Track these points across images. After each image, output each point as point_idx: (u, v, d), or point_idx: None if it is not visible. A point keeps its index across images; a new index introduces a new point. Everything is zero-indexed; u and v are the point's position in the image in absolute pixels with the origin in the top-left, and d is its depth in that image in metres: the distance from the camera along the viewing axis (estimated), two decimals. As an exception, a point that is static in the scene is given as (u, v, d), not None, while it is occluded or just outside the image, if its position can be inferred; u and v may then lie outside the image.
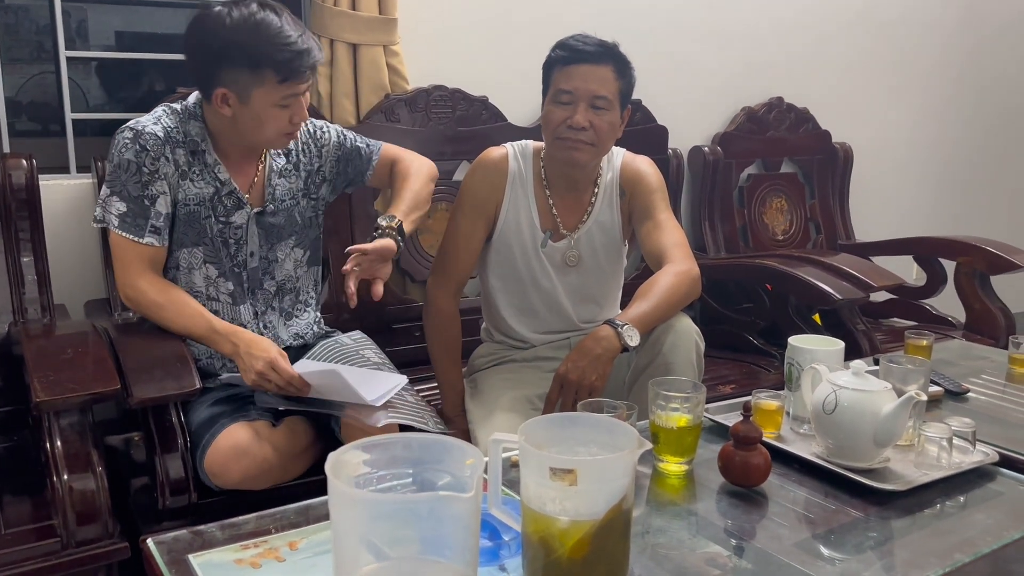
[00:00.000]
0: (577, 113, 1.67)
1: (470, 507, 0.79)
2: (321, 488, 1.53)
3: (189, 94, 2.02)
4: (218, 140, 1.64)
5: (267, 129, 1.58)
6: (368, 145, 1.84)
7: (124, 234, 1.57)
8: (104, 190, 1.60)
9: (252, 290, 1.71)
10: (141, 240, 1.58)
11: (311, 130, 1.78)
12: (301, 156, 1.75)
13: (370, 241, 1.65)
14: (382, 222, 1.68)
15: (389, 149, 1.86)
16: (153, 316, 1.61)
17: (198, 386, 1.50)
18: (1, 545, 1.38)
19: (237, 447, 1.49)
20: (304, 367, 1.56)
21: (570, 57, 1.69)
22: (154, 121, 1.60)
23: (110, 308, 1.95)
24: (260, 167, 1.70)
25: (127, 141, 1.57)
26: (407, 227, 1.70)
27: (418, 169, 1.82)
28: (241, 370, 1.55)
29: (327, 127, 1.80)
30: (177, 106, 1.65)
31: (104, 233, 1.97)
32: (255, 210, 1.68)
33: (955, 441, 1.31)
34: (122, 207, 1.57)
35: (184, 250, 1.64)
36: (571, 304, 1.88)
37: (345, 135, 1.82)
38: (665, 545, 1.09)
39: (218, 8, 1.55)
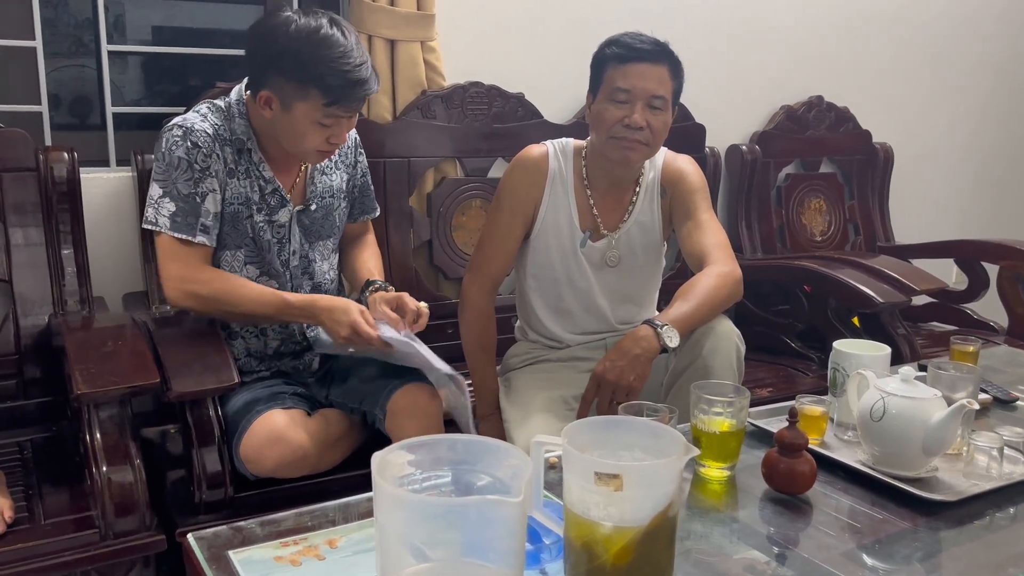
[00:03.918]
0: (635, 112, 1.65)
1: (518, 511, 0.78)
2: (356, 483, 1.55)
3: (228, 89, 2.04)
4: (262, 139, 1.63)
5: (303, 142, 1.57)
6: (374, 199, 1.89)
7: (176, 234, 1.54)
8: (155, 190, 1.57)
9: (295, 289, 1.71)
10: (194, 239, 1.56)
11: (358, 140, 1.80)
12: (342, 158, 1.77)
13: (368, 294, 1.70)
14: (375, 286, 1.73)
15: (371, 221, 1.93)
16: (220, 306, 1.58)
17: (236, 380, 1.50)
18: (40, 535, 1.39)
19: (272, 434, 1.50)
20: (385, 332, 1.56)
21: (627, 55, 1.67)
22: (201, 118, 1.58)
23: (148, 301, 1.96)
24: (303, 165, 1.70)
25: (176, 138, 1.55)
26: None
27: (377, 251, 1.91)
28: (330, 335, 1.57)
29: (363, 155, 1.83)
30: (220, 103, 1.63)
31: (144, 229, 1.99)
32: (297, 208, 1.68)
33: (1006, 451, 1.28)
34: (172, 207, 1.54)
35: (227, 252, 1.63)
36: (608, 304, 1.86)
37: (368, 172, 1.86)
38: (706, 551, 1.07)
39: (288, 13, 1.53)
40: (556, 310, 1.87)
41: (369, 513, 1.10)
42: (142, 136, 2.18)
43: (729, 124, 2.83)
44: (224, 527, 1.07)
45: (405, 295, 1.64)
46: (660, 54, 1.67)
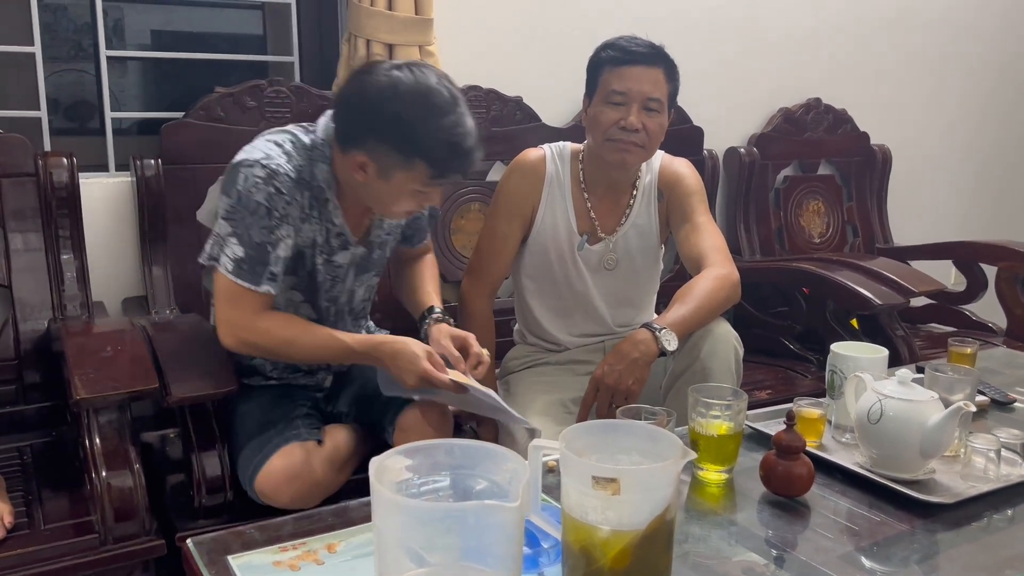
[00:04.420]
0: (631, 115, 1.66)
1: (515, 516, 0.78)
2: (356, 487, 1.55)
3: (230, 94, 2.03)
4: (341, 187, 1.52)
5: (393, 207, 1.48)
6: (433, 217, 1.80)
7: (239, 281, 1.44)
8: (223, 227, 1.44)
9: (335, 321, 1.66)
10: (258, 289, 1.45)
11: None
12: None
13: (425, 329, 1.64)
14: (437, 315, 1.66)
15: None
16: (280, 353, 1.53)
17: (235, 386, 1.50)
18: (40, 540, 1.39)
19: (290, 471, 1.46)
20: (458, 377, 1.49)
21: (622, 58, 1.68)
22: (286, 158, 1.45)
23: (147, 306, 1.97)
24: (373, 212, 1.61)
25: (258, 180, 1.42)
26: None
27: (436, 271, 1.82)
28: (397, 380, 1.50)
29: None
30: (305, 139, 1.50)
31: (142, 231, 1.99)
32: (360, 251, 1.61)
33: (1003, 453, 1.28)
34: (239, 251, 1.43)
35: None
36: (606, 307, 1.86)
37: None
38: (704, 554, 1.08)
39: (394, 71, 1.39)
40: (556, 312, 1.88)
41: (368, 518, 1.10)
42: (141, 141, 2.18)
43: (727, 127, 2.84)
44: (223, 532, 1.08)
45: (472, 337, 1.57)
46: (655, 57, 1.68)
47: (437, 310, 1.67)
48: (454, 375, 1.47)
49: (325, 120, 1.51)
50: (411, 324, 2.26)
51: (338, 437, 1.60)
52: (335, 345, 1.49)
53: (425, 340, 1.59)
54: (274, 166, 1.43)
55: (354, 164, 1.43)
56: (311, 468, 1.49)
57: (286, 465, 1.47)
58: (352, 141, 1.42)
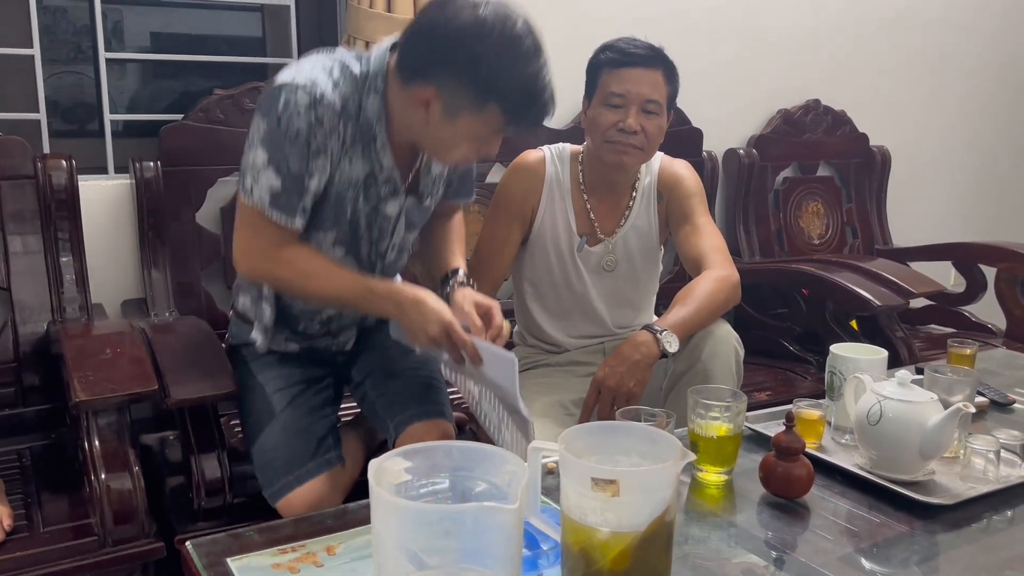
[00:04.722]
0: (629, 117, 1.66)
1: (514, 518, 0.78)
2: (356, 489, 1.55)
3: (229, 96, 2.03)
4: (393, 123, 1.41)
5: (451, 152, 1.39)
6: (472, 184, 1.73)
7: (274, 214, 1.36)
8: (259, 155, 1.34)
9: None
10: (292, 224, 1.38)
11: None
12: None
13: (448, 292, 1.55)
14: (461, 279, 1.57)
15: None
16: (296, 286, 1.45)
17: (234, 388, 1.50)
18: (39, 543, 1.40)
19: (314, 502, 1.45)
20: (478, 343, 1.40)
21: (621, 60, 1.68)
22: (332, 85, 1.35)
23: (146, 308, 1.97)
24: (424, 155, 1.51)
25: (301, 106, 1.31)
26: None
27: (463, 232, 1.75)
28: (408, 331, 1.41)
29: None
30: (356, 69, 1.39)
31: (142, 233, 1.99)
32: (409, 200, 1.52)
33: (1003, 454, 1.28)
34: (276, 183, 1.34)
35: (319, 233, 1.46)
36: (606, 309, 1.86)
37: None
38: (704, 556, 1.07)
39: (481, 8, 1.29)
40: (555, 313, 1.88)
41: (367, 520, 1.10)
42: (140, 143, 2.18)
43: (726, 128, 2.84)
44: (222, 534, 1.07)
45: (496, 306, 1.48)
46: (654, 59, 1.68)
47: (462, 272, 1.58)
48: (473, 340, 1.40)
49: (380, 52, 1.41)
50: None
51: (353, 449, 1.60)
52: (355, 284, 1.42)
53: (447, 302, 1.50)
54: (318, 92, 1.32)
55: (417, 99, 1.33)
56: (334, 498, 1.48)
57: (313, 498, 1.45)
58: (421, 74, 1.33)
